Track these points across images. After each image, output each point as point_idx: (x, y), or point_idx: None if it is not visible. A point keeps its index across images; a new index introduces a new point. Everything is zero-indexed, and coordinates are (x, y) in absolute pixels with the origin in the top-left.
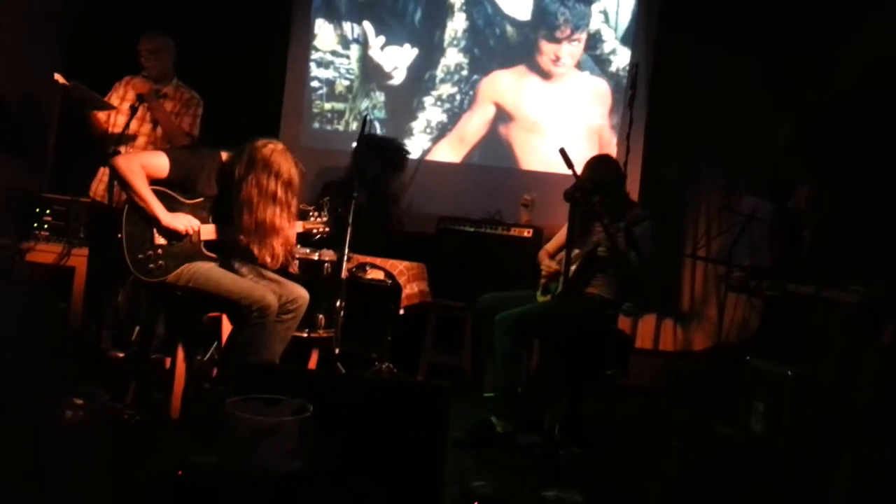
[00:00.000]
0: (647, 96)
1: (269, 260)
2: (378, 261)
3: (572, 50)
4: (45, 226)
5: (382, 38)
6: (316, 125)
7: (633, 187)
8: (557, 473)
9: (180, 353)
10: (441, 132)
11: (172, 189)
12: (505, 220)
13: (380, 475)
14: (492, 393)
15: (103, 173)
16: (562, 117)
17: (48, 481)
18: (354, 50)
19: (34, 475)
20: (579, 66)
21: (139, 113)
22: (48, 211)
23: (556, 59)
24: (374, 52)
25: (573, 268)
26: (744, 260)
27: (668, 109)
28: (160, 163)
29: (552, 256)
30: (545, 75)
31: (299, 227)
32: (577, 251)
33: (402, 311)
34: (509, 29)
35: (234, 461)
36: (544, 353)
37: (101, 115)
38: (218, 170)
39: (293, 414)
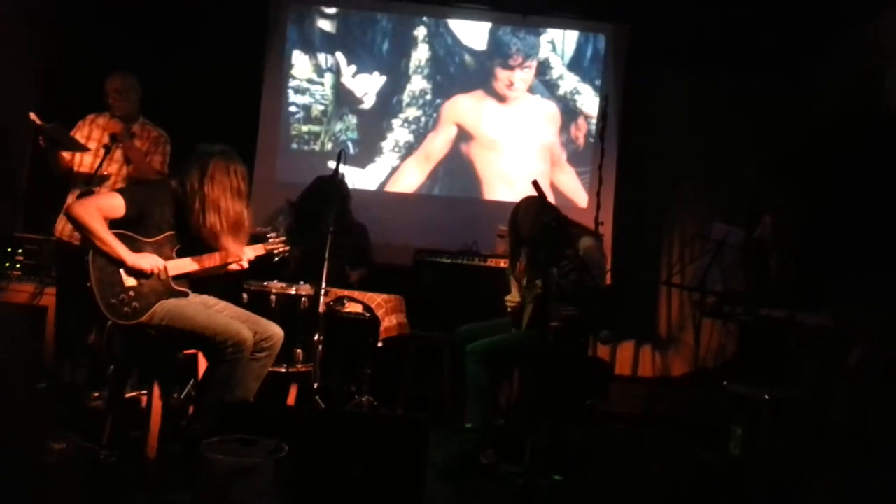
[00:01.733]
0: (619, 127)
1: (241, 254)
2: (356, 294)
3: (524, 76)
4: (17, 265)
5: (354, 67)
6: (294, 146)
7: (606, 216)
8: (539, 502)
9: (156, 392)
10: (408, 151)
11: (132, 229)
12: (481, 251)
13: None
14: (470, 424)
15: None
16: (517, 136)
17: None
18: (328, 78)
19: None
20: (531, 90)
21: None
22: (20, 250)
23: (510, 84)
24: (347, 80)
25: (530, 309)
26: (717, 286)
27: (639, 139)
28: (115, 203)
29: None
30: (501, 99)
31: (260, 249)
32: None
33: (380, 344)
34: (467, 58)
35: (210, 502)
36: (524, 383)
37: (66, 155)
38: (171, 196)
39: (269, 454)
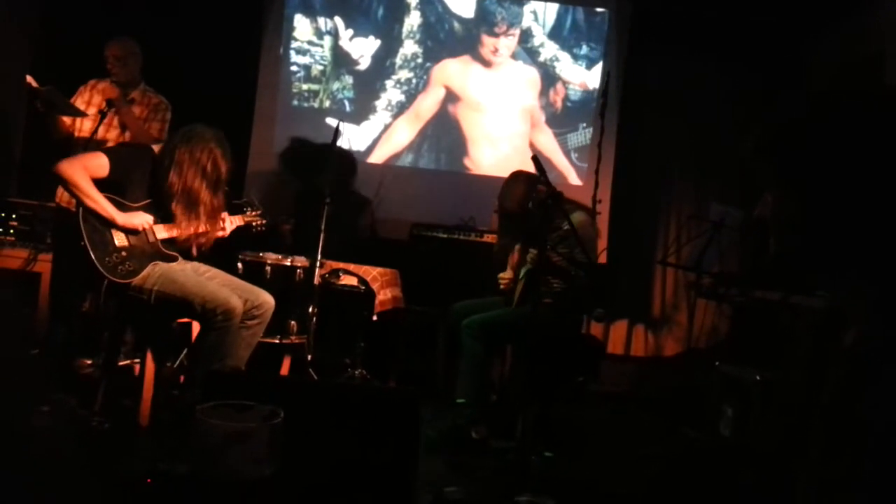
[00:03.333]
0: (619, 105)
1: (192, 229)
2: (351, 267)
3: (508, 43)
4: (12, 231)
5: (351, 31)
6: (295, 102)
7: (604, 194)
8: (530, 478)
9: (149, 360)
10: (400, 110)
11: (116, 192)
12: (477, 227)
13: (351, 481)
14: (462, 399)
15: None
16: (500, 98)
17: (16, 489)
18: (327, 40)
19: (2, 483)
20: (514, 56)
21: (107, 118)
22: (14, 216)
23: (495, 51)
24: (344, 43)
25: (521, 284)
26: (713, 267)
27: (639, 117)
28: (100, 162)
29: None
30: (486, 63)
31: (238, 220)
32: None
33: (375, 317)
34: (456, 25)
35: (205, 468)
36: (515, 359)
37: (66, 120)
38: (153, 163)
39: (263, 420)
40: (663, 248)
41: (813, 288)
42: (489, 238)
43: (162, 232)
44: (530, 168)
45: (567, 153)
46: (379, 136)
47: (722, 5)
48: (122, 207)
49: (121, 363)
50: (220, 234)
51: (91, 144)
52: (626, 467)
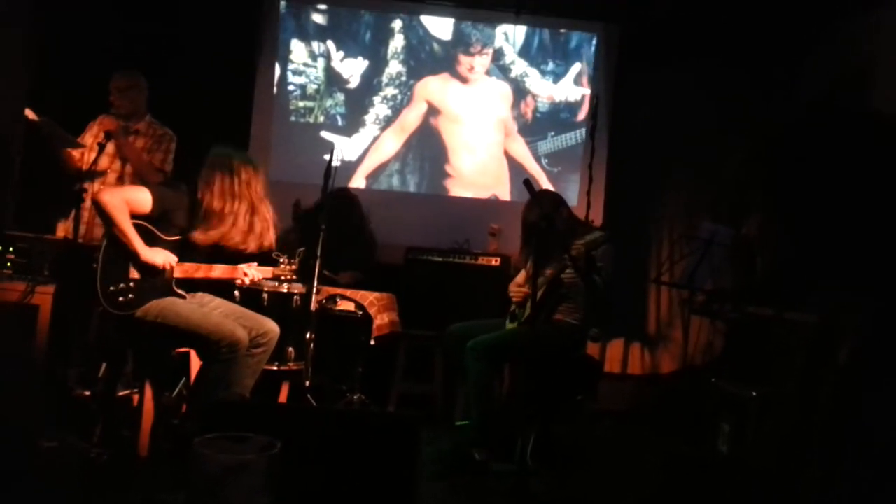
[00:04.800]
0: (609, 126)
1: (252, 242)
2: (348, 292)
3: (482, 61)
4: (9, 263)
5: (342, 53)
6: (292, 118)
7: (596, 215)
8: (531, 498)
9: (148, 390)
10: (387, 123)
11: (152, 224)
12: (472, 250)
13: None
14: (464, 421)
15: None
16: (477, 111)
17: None
18: (321, 62)
19: None
20: (488, 73)
21: (109, 150)
22: (11, 248)
23: (471, 69)
24: (336, 64)
25: (539, 294)
26: (705, 284)
27: (629, 138)
28: (144, 198)
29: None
30: (463, 80)
31: (268, 272)
32: (542, 278)
33: (372, 342)
34: (436, 46)
35: (202, 499)
36: (515, 379)
37: (75, 153)
38: (189, 202)
39: (261, 451)
40: (656, 267)
41: (799, 305)
42: (484, 261)
43: (182, 271)
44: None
45: (538, 159)
46: (368, 146)
47: (710, 26)
48: (155, 240)
49: (120, 393)
50: (238, 282)
51: (87, 175)
52: (625, 484)
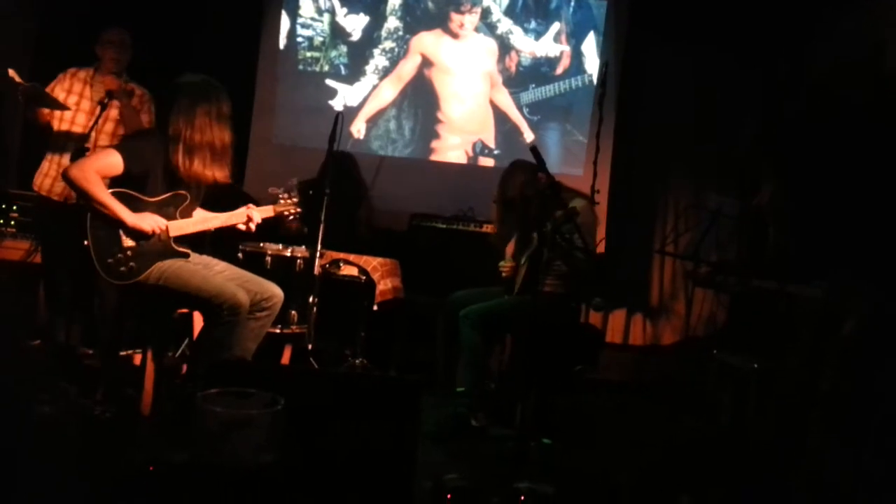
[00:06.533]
0: (617, 95)
1: (219, 175)
2: (352, 257)
3: (472, 19)
4: (12, 222)
5: (345, 9)
6: (300, 67)
7: (602, 184)
8: (529, 465)
9: (150, 350)
10: (385, 73)
11: (133, 187)
12: (476, 217)
13: (351, 469)
14: (462, 387)
15: (49, 167)
16: (466, 64)
17: (18, 478)
18: (326, 17)
19: (3, 472)
20: (476, 29)
21: (86, 108)
22: (15, 207)
23: (461, 25)
24: (340, 19)
25: (524, 270)
26: (711, 256)
27: (637, 108)
28: (112, 161)
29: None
30: (454, 36)
31: (269, 211)
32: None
33: (375, 307)
34: (430, 4)
35: (206, 454)
36: (515, 348)
37: (45, 110)
38: (162, 144)
39: (265, 407)
40: (661, 238)
41: (809, 278)
42: (488, 228)
43: (177, 229)
44: (488, 122)
45: (520, 108)
46: (368, 94)
47: None
48: (138, 205)
49: (122, 353)
50: (242, 228)
51: (88, 137)
52: (625, 455)
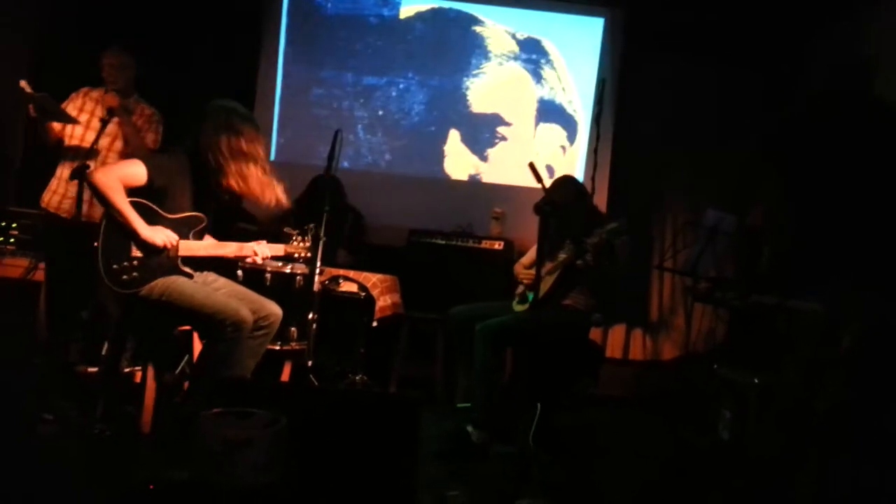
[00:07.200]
0: (614, 112)
1: (272, 201)
2: (351, 273)
3: None
4: (12, 240)
5: None
6: (298, 85)
7: (600, 201)
8: (531, 482)
9: (151, 368)
10: None
11: (155, 199)
12: (476, 233)
13: (353, 487)
14: (465, 403)
15: (58, 185)
16: None
17: (19, 496)
18: None
19: (3, 492)
20: None
21: (95, 125)
22: (14, 225)
23: None
24: None
25: (553, 278)
26: (709, 271)
27: (634, 125)
28: (137, 171)
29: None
30: None
31: (280, 250)
32: (548, 264)
33: (375, 324)
34: None
35: (207, 474)
36: (517, 364)
37: (56, 125)
38: (189, 162)
39: (265, 427)
40: (660, 254)
41: (804, 293)
42: (487, 244)
43: (188, 249)
44: None
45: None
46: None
47: (717, 10)
48: (157, 218)
49: (123, 371)
50: (249, 261)
51: (91, 153)
52: (626, 470)
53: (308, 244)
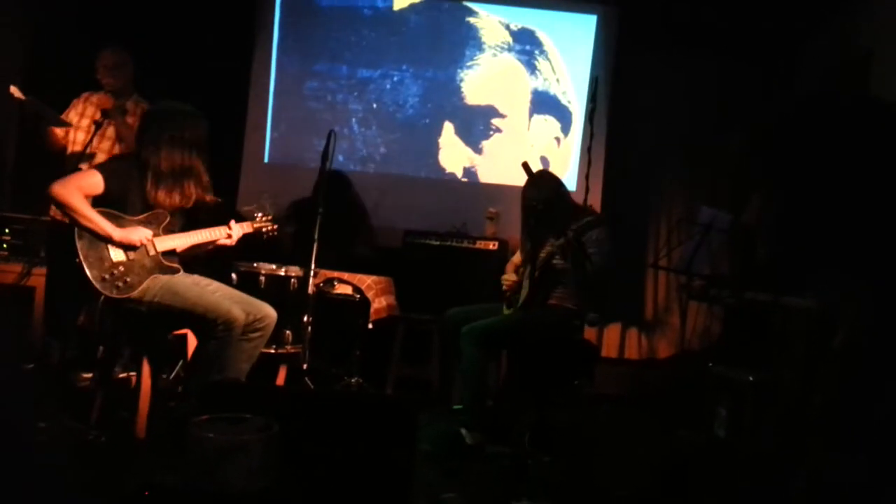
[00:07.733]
0: (608, 109)
1: (178, 200)
2: (346, 275)
3: None
4: (5, 245)
5: None
6: (293, 85)
7: (594, 199)
8: (527, 483)
9: (145, 372)
10: None
11: (116, 207)
12: (470, 234)
13: (348, 490)
14: (460, 405)
15: None
16: None
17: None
18: None
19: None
20: None
21: (101, 130)
22: (7, 230)
23: None
24: None
25: (527, 284)
26: (704, 269)
27: (628, 122)
28: (94, 181)
29: (518, 269)
30: None
31: (248, 227)
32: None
33: (370, 325)
34: None
35: (200, 480)
36: (512, 364)
37: (59, 132)
38: (138, 166)
39: (258, 432)
40: (654, 252)
41: (799, 290)
42: (482, 244)
43: (163, 244)
44: None
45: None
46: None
47: (711, 6)
48: (121, 222)
49: (118, 375)
50: (225, 242)
51: (85, 157)
52: (622, 469)
53: (271, 216)
